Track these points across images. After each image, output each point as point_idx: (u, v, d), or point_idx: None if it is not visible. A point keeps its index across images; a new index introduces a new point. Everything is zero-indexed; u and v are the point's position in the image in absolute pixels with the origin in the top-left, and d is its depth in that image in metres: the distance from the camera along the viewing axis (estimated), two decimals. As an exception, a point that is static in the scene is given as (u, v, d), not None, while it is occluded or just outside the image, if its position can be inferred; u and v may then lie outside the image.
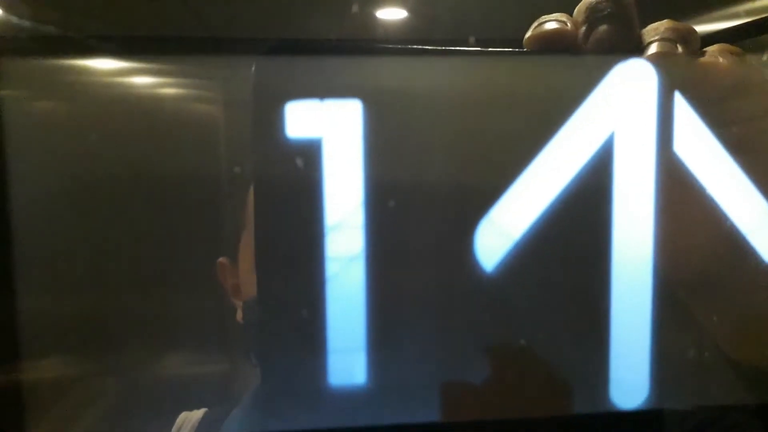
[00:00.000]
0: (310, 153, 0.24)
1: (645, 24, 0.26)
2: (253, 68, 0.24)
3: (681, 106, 0.25)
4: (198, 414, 0.46)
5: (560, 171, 0.25)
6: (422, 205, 0.25)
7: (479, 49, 0.26)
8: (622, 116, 0.25)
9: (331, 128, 0.24)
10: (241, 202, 0.42)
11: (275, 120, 0.24)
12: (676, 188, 0.26)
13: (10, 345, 0.31)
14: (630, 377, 0.25)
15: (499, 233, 0.25)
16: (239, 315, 0.44)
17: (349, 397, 0.25)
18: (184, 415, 0.46)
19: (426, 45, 0.26)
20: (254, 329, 0.41)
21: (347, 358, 0.25)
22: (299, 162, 0.24)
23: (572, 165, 0.25)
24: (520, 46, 0.26)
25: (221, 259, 0.46)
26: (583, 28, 0.25)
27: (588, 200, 0.25)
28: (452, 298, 0.25)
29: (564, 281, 0.25)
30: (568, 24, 0.26)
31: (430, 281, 0.25)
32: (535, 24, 0.26)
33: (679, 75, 0.25)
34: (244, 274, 0.44)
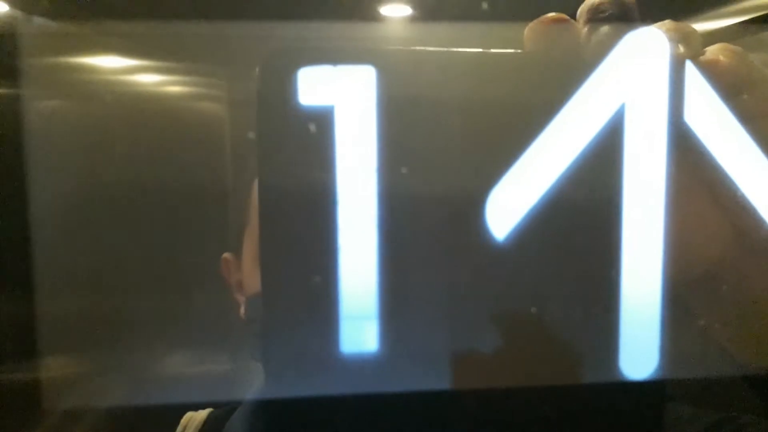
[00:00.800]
0: (321, 121, 0.24)
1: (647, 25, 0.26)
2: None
3: (692, 78, 0.26)
4: (203, 414, 0.46)
5: (571, 141, 0.25)
6: (434, 175, 0.25)
7: (482, 50, 0.26)
8: (633, 87, 0.25)
9: (343, 96, 0.24)
10: (245, 197, 0.42)
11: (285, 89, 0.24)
12: (690, 169, 0.26)
13: (21, 344, 0.31)
14: (639, 347, 0.25)
15: (511, 203, 0.25)
16: (242, 311, 0.44)
17: (360, 364, 0.25)
18: (189, 415, 0.46)
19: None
20: (257, 323, 0.41)
21: (358, 327, 0.25)
22: (312, 128, 0.24)
23: (583, 135, 0.25)
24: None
25: (226, 255, 0.46)
26: (585, 29, 0.26)
27: (599, 170, 0.25)
28: (463, 267, 0.25)
29: (574, 251, 0.26)
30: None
31: (441, 250, 0.25)
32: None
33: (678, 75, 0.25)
34: (247, 269, 0.44)
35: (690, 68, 0.25)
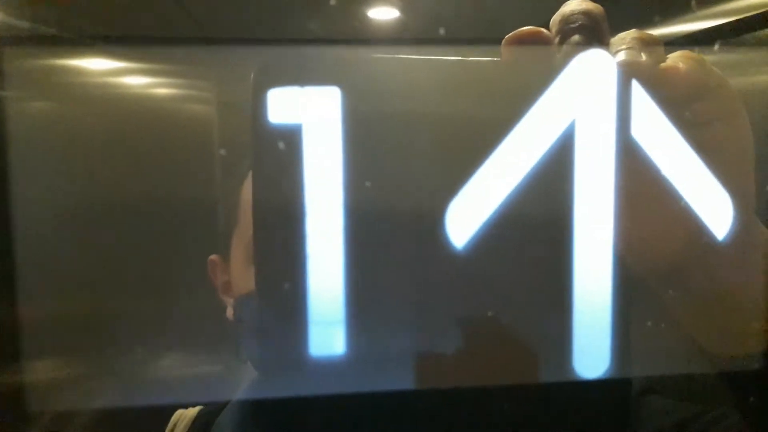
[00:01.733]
0: (291, 138, 0.26)
1: (614, 33, 0.28)
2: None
3: (640, 95, 0.27)
4: (193, 411, 0.47)
5: (525, 155, 0.27)
6: (399, 187, 0.27)
7: (458, 58, 0.27)
8: (583, 104, 0.27)
9: (310, 115, 0.26)
10: (234, 199, 0.43)
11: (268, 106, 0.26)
12: (639, 177, 0.27)
13: (11, 345, 0.32)
14: (591, 348, 0.27)
15: (469, 213, 0.27)
16: (229, 312, 0.45)
17: (329, 366, 0.27)
18: (179, 412, 0.47)
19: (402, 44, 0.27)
20: (245, 324, 0.43)
21: (328, 331, 0.26)
22: (282, 146, 0.26)
23: (537, 149, 0.27)
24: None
25: (213, 257, 0.47)
26: (557, 39, 0.28)
27: (552, 181, 0.27)
28: (426, 273, 0.27)
29: (529, 258, 0.27)
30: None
31: (405, 257, 0.27)
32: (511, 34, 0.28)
33: (643, 80, 0.27)
34: (236, 271, 0.45)
35: (636, 86, 0.27)
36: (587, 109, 0.27)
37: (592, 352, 0.27)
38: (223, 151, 0.24)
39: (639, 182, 0.27)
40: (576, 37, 0.27)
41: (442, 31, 0.29)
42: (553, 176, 0.27)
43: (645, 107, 0.27)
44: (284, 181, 0.26)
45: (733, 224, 0.27)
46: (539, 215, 0.27)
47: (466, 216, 0.27)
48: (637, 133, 0.27)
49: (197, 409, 0.46)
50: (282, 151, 0.26)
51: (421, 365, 0.27)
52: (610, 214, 0.27)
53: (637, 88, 0.27)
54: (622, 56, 0.27)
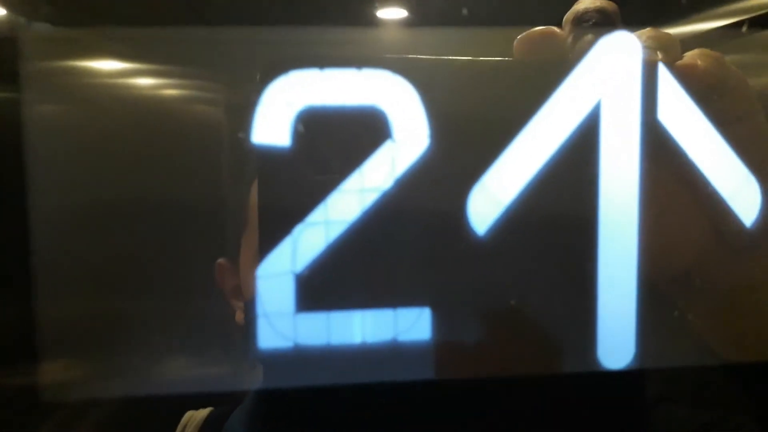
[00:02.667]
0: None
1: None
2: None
3: (667, 82, 0.27)
4: (203, 413, 0.47)
5: (549, 138, 0.26)
6: (419, 173, 0.26)
7: (470, 58, 0.27)
8: (608, 87, 0.26)
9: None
10: (242, 202, 0.43)
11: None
12: (666, 170, 0.27)
13: (22, 347, 0.32)
14: (616, 338, 0.26)
15: (491, 199, 0.26)
16: (239, 316, 0.45)
17: (347, 355, 0.26)
18: (189, 413, 0.47)
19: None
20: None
21: (344, 320, 0.26)
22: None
23: (560, 132, 0.26)
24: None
25: (220, 261, 0.47)
26: (570, 38, 0.27)
27: (575, 167, 0.26)
28: (447, 261, 0.26)
29: (553, 245, 0.27)
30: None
31: (426, 246, 0.26)
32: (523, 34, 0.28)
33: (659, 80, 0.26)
34: (245, 274, 0.45)
35: (664, 71, 0.26)
36: (612, 93, 0.26)
37: (617, 342, 0.26)
38: (242, 134, 0.23)
39: (665, 174, 0.27)
40: (590, 36, 0.27)
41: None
42: (577, 162, 0.26)
43: (674, 95, 0.27)
44: (291, 182, 0.26)
45: (751, 230, 0.27)
46: (562, 202, 0.26)
47: (488, 203, 0.26)
48: (665, 121, 0.27)
49: (208, 410, 0.46)
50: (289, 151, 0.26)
51: (441, 355, 0.26)
52: (637, 198, 0.26)
53: (663, 76, 0.26)
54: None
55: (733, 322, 0.28)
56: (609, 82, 0.26)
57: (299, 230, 0.26)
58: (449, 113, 0.26)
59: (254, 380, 0.41)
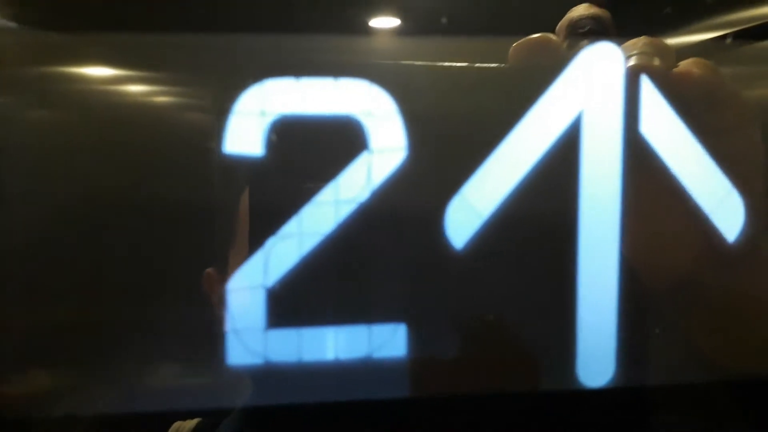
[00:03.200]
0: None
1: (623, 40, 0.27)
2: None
3: (650, 93, 0.26)
4: (191, 424, 0.46)
5: (529, 149, 0.25)
6: (397, 186, 0.25)
7: (465, 64, 0.26)
8: (591, 99, 0.26)
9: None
10: (231, 211, 0.42)
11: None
12: (649, 182, 0.26)
13: (6, 353, 0.31)
14: (596, 355, 0.26)
15: (470, 211, 0.25)
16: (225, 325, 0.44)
17: (322, 373, 0.25)
18: (177, 424, 0.46)
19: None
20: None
21: (317, 336, 0.25)
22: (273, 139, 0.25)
23: (541, 143, 0.25)
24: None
25: (208, 270, 0.46)
26: (565, 44, 0.27)
27: (556, 179, 0.26)
28: (423, 275, 0.26)
29: (532, 259, 0.26)
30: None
31: (402, 260, 0.26)
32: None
33: (654, 87, 0.26)
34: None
35: (647, 82, 0.26)
36: (594, 104, 0.26)
37: (596, 359, 0.26)
38: (213, 144, 0.23)
39: (649, 187, 0.26)
40: (585, 43, 0.26)
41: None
42: (558, 174, 0.26)
43: (656, 107, 0.26)
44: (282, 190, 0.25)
45: (744, 239, 0.26)
46: (541, 215, 0.26)
47: (466, 215, 0.25)
48: (648, 133, 0.26)
49: (195, 421, 0.46)
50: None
51: (419, 371, 0.25)
52: (617, 215, 0.26)
53: (647, 87, 0.26)
54: (633, 61, 0.26)
55: (727, 330, 0.28)
56: (591, 92, 0.26)
57: (271, 243, 0.25)
58: (427, 122, 0.26)
59: (241, 391, 0.41)
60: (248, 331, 0.25)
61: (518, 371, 0.26)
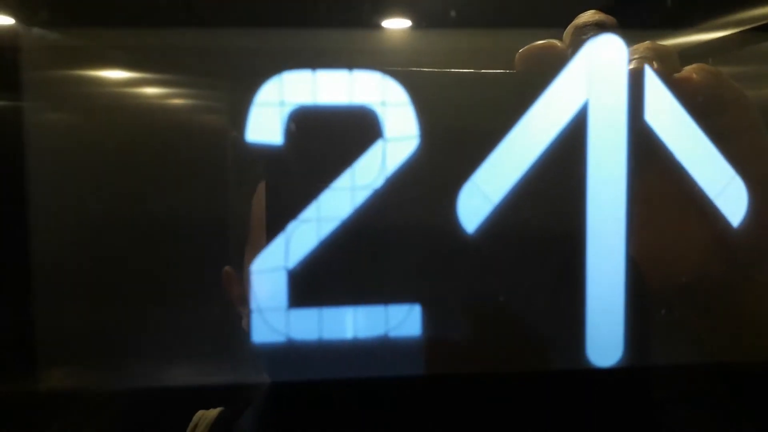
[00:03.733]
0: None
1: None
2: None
3: (656, 88, 0.27)
4: (213, 413, 0.47)
5: (538, 137, 0.26)
6: (410, 172, 0.26)
7: (472, 71, 0.27)
8: (596, 86, 0.27)
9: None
10: (245, 209, 0.44)
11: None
12: (656, 179, 0.27)
13: (29, 355, 0.32)
14: (606, 335, 0.27)
15: (481, 197, 0.26)
16: (245, 323, 0.45)
17: (338, 351, 0.26)
18: (200, 413, 0.47)
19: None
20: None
21: (334, 316, 0.26)
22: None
23: (549, 131, 0.26)
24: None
25: (227, 268, 0.47)
26: (570, 51, 0.27)
27: (564, 166, 0.27)
28: (437, 259, 0.27)
29: (542, 243, 0.27)
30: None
31: (416, 244, 0.27)
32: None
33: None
34: (249, 281, 0.45)
35: (651, 76, 0.27)
36: (600, 94, 0.27)
37: (605, 339, 0.26)
38: (235, 133, 0.24)
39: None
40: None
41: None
42: (566, 161, 0.27)
43: (661, 100, 0.27)
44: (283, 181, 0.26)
45: (751, 235, 0.27)
46: (550, 200, 0.27)
47: (478, 201, 0.26)
48: (653, 122, 0.27)
49: (218, 410, 0.46)
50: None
51: (432, 351, 0.26)
52: (624, 196, 0.27)
53: (653, 79, 0.27)
54: (635, 65, 0.27)
55: (735, 328, 0.28)
56: (596, 82, 0.27)
57: (292, 228, 0.26)
58: (439, 113, 0.27)
59: (263, 380, 0.41)
60: (271, 311, 0.26)
61: (529, 351, 0.27)
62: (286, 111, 0.26)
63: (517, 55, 0.28)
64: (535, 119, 0.27)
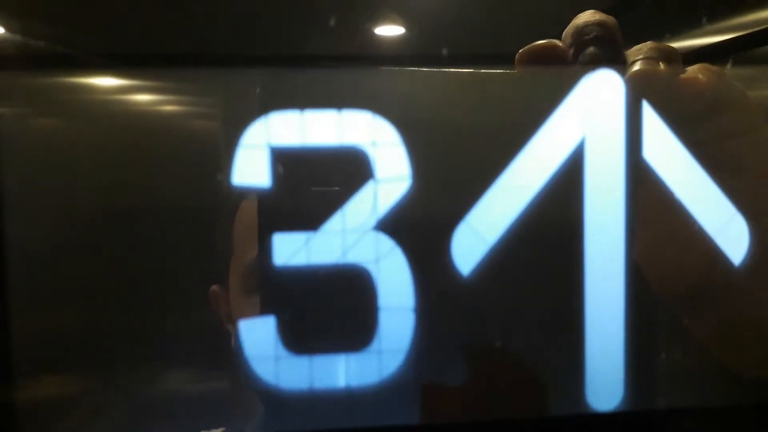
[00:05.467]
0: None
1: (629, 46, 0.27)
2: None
3: (649, 115, 0.26)
4: None
5: (533, 177, 0.26)
6: (404, 211, 0.26)
7: (471, 70, 0.27)
8: (593, 123, 0.26)
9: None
10: (227, 228, 0.43)
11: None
12: (653, 200, 0.26)
13: (8, 364, 0.31)
14: (605, 378, 0.26)
15: (476, 238, 0.26)
16: (234, 341, 0.45)
17: (331, 400, 0.26)
18: None
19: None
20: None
21: (329, 362, 0.26)
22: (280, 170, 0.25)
23: (545, 170, 0.26)
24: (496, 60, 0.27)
25: (214, 287, 0.47)
26: (571, 51, 0.27)
27: (561, 204, 0.26)
28: (431, 302, 0.26)
29: (539, 284, 0.26)
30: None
31: (410, 287, 0.26)
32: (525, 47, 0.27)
33: (661, 92, 0.26)
34: (234, 300, 0.44)
35: (647, 107, 0.26)
36: (597, 129, 0.26)
37: (605, 382, 0.26)
38: (221, 176, 0.23)
39: (653, 205, 0.26)
40: (591, 49, 0.26)
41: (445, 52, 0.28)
42: (562, 200, 0.26)
43: (657, 127, 0.26)
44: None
45: (755, 245, 0.26)
46: (548, 240, 0.26)
47: (472, 242, 0.26)
48: (650, 153, 0.26)
49: (220, 430, 0.45)
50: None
51: (427, 398, 0.26)
52: (622, 237, 0.26)
53: (648, 109, 0.26)
54: (638, 66, 0.26)
55: (740, 336, 0.28)
56: (593, 118, 0.26)
57: (279, 273, 0.25)
58: (431, 150, 0.26)
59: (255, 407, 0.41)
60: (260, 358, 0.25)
61: (527, 396, 0.26)
62: (273, 153, 0.25)
63: (517, 56, 0.27)
64: (530, 156, 0.26)
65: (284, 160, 0.26)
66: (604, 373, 0.26)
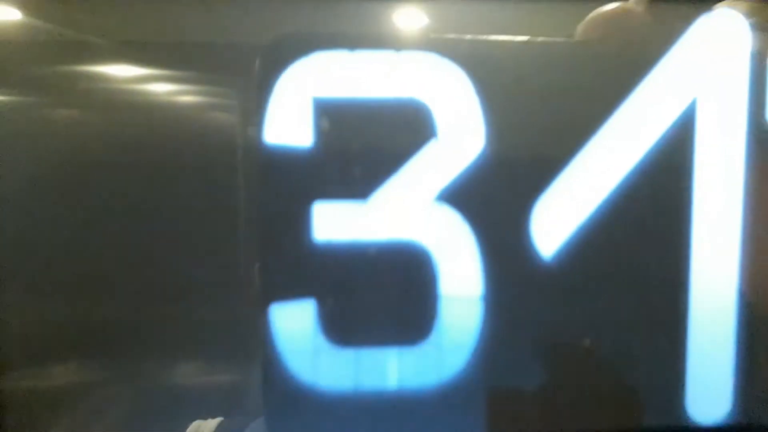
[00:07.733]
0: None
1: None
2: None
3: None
4: (212, 424, 0.44)
5: (632, 142, 0.21)
6: (474, 179, 0.21)
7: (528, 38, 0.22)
8: (706, 81, 0.21)
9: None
10: (259, 196, 0.40)
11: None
12: None
13: (23, 351, 0.29)
14: (709, 388, 0.22)
15: (560, 214, 0.21)
16: (262, 331, 0.42)
17: (378, 403, 0.21)
18: (196, 423, 0.44)
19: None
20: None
21: (377, 358, 0.21)
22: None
23: (646, 136, 0.21)
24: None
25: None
26: (648, 15, 0.23)
27: (666, 179, 0.21)
28: (505, 290, 0.22)
29: (635, 274, 0.22)
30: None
31: (480, 273, 0.22)
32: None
33: None
34: (266, 281, 0.42)
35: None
36: (710, 89, 0.21)
37: (709, 392, 0.22)
38: (251, 131, 0.19)
39: None
40: (673, 11, 0.23)
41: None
42: (666, 174, 0.21)
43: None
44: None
45: None
46: (646, 222, 0.22)
47: (556, 220, 0.21)
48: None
49: (217, 421, 0.43)
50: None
51: (494, 404, 0.21)
52: (738, 221, 0.22)
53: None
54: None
55: None
56: (707, 75, 0.21)
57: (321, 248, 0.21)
58: (510, 108, 0.21)
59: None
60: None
61: (615, 406, 0.22)
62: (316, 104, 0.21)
63: (581, 25, 0.23)
64: (629, 117, 0.21)
65: (329, 113, 0.21)
66: (709, 382, 0.22)
